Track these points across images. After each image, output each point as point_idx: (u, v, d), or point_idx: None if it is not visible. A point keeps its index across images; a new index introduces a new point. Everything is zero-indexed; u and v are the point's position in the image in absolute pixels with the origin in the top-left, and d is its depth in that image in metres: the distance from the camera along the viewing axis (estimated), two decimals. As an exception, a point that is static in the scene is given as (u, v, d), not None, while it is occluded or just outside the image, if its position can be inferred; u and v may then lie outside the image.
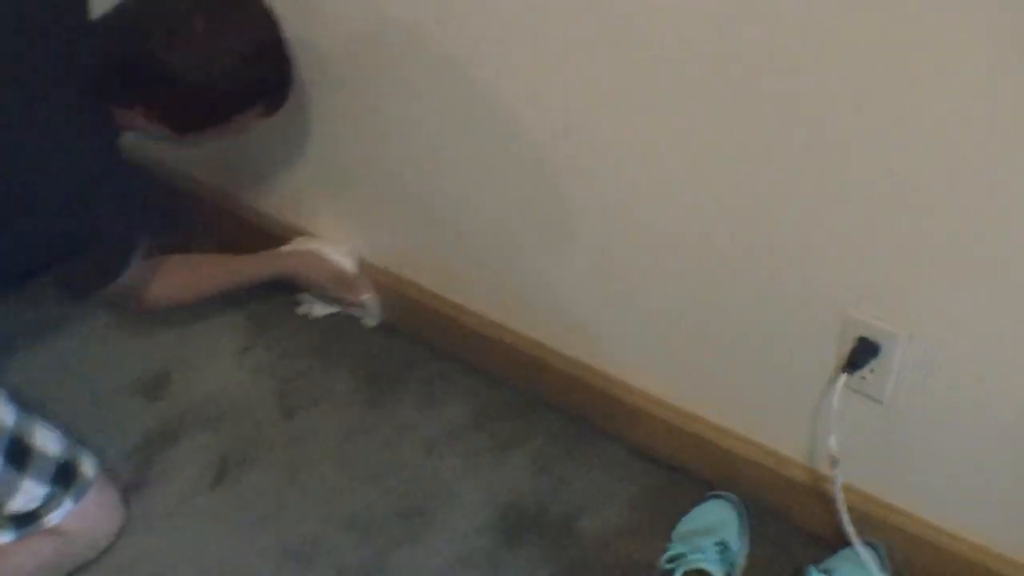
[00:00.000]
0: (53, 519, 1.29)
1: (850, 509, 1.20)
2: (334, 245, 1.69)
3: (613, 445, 1.50)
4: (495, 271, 1.52)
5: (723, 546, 1.28)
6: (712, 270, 1.24)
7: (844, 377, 1.15)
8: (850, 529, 1.20)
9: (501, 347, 1.57)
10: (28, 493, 1.27)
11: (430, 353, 1.67)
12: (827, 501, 1.28)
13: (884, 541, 1.26)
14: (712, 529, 1.31)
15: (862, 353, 1.15)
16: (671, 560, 1.25)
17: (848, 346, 1.16)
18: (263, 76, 1.36)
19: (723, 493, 1.38)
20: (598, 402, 1.49)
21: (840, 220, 1.08)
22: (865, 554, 1.22)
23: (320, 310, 1.77)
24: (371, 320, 1.73)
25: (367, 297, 1.70)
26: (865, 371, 1.16)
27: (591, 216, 1.32)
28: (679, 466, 1.45)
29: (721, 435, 1.38)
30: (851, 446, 1.19)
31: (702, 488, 1.41)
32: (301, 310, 1.78)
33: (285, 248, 1.72)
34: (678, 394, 1.41)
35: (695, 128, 1.13)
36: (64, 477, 1.30)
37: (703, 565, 1.23)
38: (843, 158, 1.03)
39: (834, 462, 1.18)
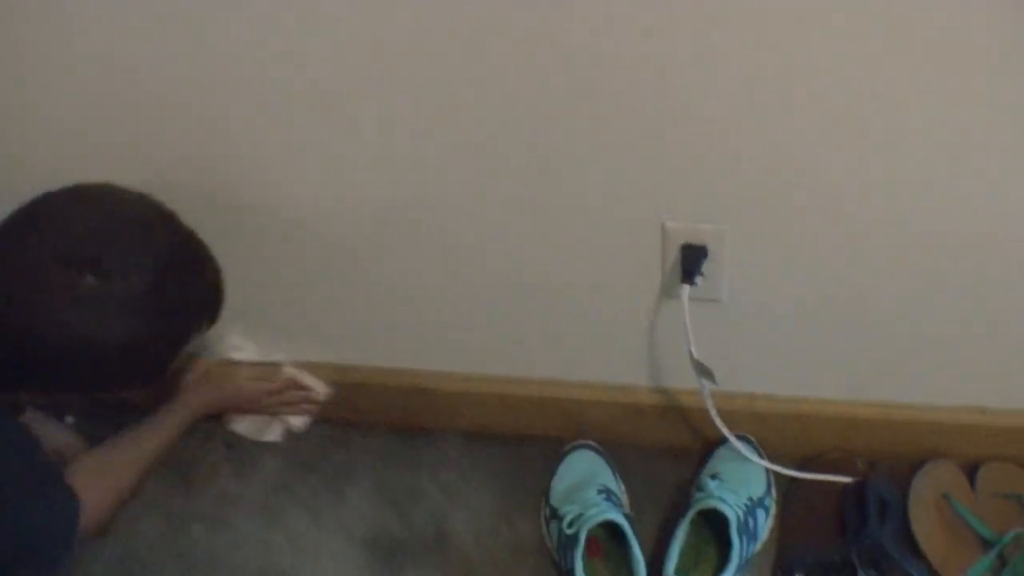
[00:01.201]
0: None
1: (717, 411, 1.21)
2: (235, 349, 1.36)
3: (448, 439, 1.40)
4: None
5: (607, 492, 1.25)
6: (509, 220, 1.15)
7: (687, 288, 1.13)
8: (724, 428, 1.21)
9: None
10: None
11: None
12: (684, 414, 1.29)
13: (752, 431, 1.29)
14: (588, 480, 1.27)
15: (692, 259, 1.13)
16: (571, 524, 1.20)
17: (674, 257, 1.14)
18: (191, 295, 1.02)
19: (579, 443, 1.33)
20: (416, 403, 1.38)
21: (635, 132, 1.02)
22: (743, 447, 1.25)
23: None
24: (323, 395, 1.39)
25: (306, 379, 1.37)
26: (697, 277, 1.15)
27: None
28: (525, 434, 1.38)
29: (560, 388, 1.33)
30: (701, 351, 1.19)
31: (554, 447, 1.35)
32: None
33: (186, 383, 1.35)
34: (505, 364, 1.33)
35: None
36: None
37: (607, 517, 1.18)
38: (632, 74, 0.96)
39: (701, 369, 1.17)
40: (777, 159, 1.02)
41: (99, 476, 1.15)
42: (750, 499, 1.24)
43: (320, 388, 1.36)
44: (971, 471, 1.31)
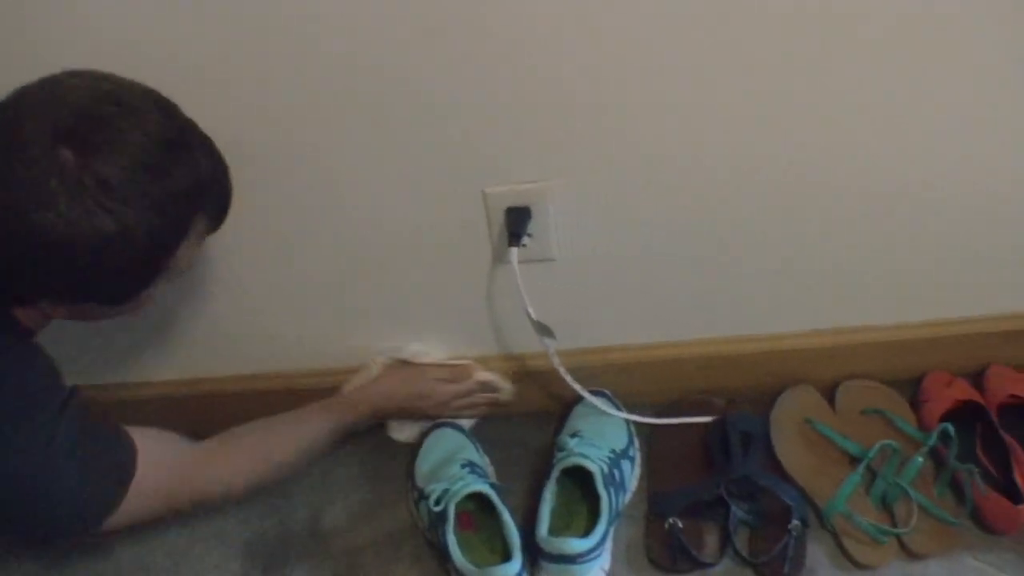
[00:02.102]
0: None
1: (568, 370, 1.21)
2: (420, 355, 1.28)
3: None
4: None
5: (470, 465, 1.24)
6: (344, 196, 1.13)
7: (515, 251, 1.12)
8: (576, 385, 1.21)
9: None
10: None
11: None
12: (538, 377, 1.29)
13: (611, 384, 1.30)
14: (450, 456, 1.27)
15: (516, 221, 1.12)
16: (438, 501, 1.19)
17: (500, 222, 1.14)
18: (192, 182, 0.89)
19: (439, 421, 1.33)
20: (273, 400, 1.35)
21: (447, 102, 1.02)
22: (600, 401, 1.25)
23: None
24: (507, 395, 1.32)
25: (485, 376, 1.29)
26: (526, 238, 1.14)
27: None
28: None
29: None
30: (544, 311, 1.18)
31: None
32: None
33: (347, 388, 1.28)
34: (348, 353, 1.31)
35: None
36: None
37: (473, 488, 1.18)
38: (442, 38, 0.96)
39: (542, 329, 1.17)
40: (593, 111, 1.02)
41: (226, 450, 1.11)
42: (613, 451, 1.24)
43: (508, 388, 1.31)
44: (830, 393, 1.32)
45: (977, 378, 1.34)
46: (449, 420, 1.32)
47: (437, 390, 1.27)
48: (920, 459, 1.24)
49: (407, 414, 1.30)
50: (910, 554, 1.21)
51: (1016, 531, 1.22)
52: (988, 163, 1.10)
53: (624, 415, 1.26)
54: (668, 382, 1.30)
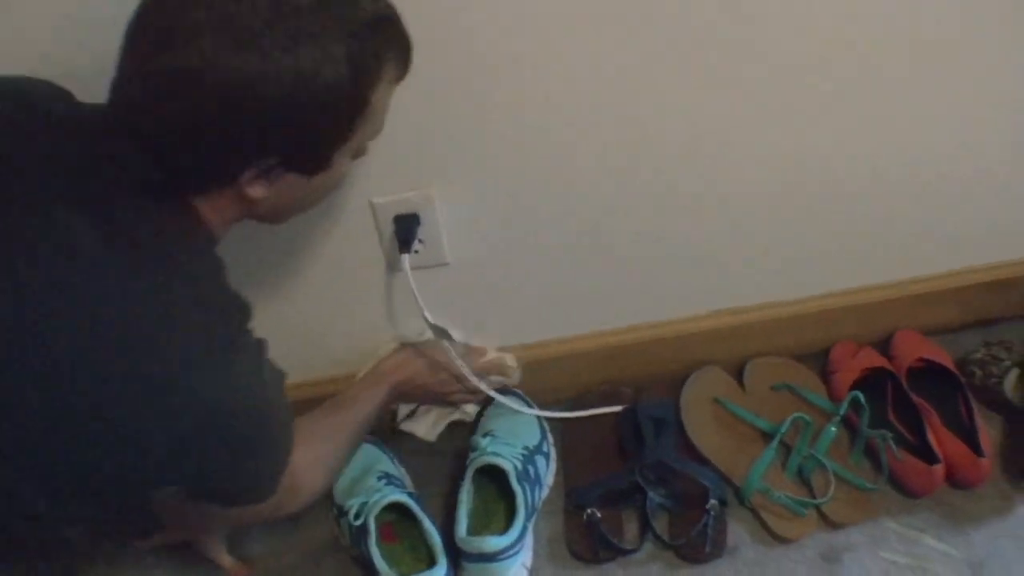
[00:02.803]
0: None
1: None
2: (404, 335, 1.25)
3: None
4: None
5: (387, 477, 1.25)
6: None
7: (407, 257, 1.13)
8: (482, 386, 1.21)
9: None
10: None
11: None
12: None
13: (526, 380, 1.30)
14: (367, 470, 1.26)
15: (405, 229, 1.13)
16: (358, 515, 1.19)
17: (390, 230, 1.15)
18: (376, 12, 0.82)
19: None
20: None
21: None
22: (511, 400, 1.26)
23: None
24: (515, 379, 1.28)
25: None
26: (417, 244, 1.16)
27: None
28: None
29: (318, 387, 1.29)
30: (442, 315, 1.19)
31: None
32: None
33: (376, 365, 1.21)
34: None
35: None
36: None
37: (391, 498, 1.17)
38: None
39: (439, 332, 1.17)
40: (472, 114, 1.03)
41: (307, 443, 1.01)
42: (527, 448, 1.24)
43: (518, 372, 1.27)
44: (739, 372, 1.33)
45: (884, 345, 1.36)
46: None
47: (453, 365, 1.19)
48: (833, 429, 1.25)
49: (424, 391, 1.22)
50: (831, 523, 1.22)
51: (933, 491, 1.23)
52: (875, 135, 1.12)
53: (534, 411, 1.26)
54: (576, 376, 1.31)
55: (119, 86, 0.79)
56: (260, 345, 0.90)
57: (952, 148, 1.16)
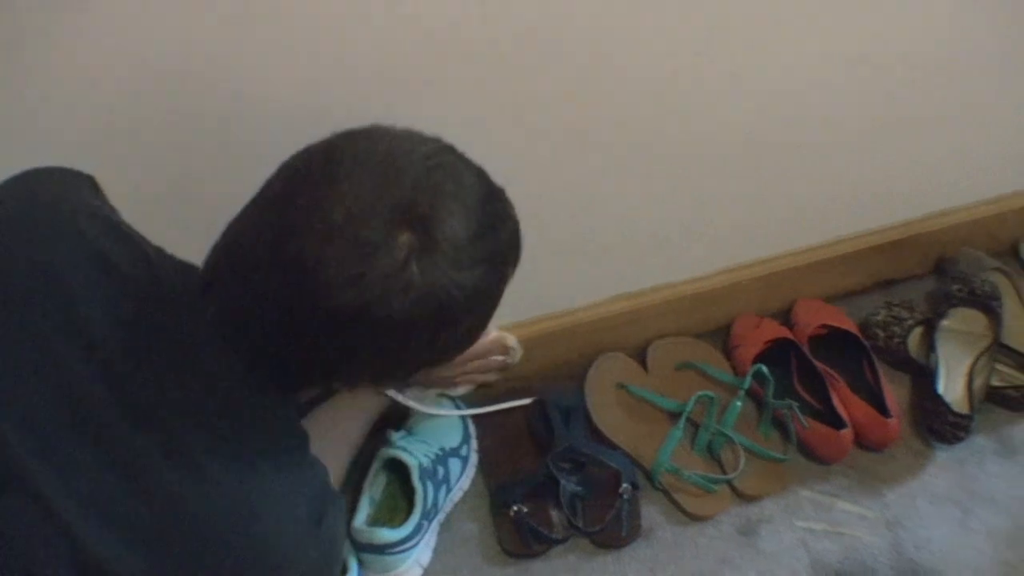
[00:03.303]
0: None
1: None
2: None
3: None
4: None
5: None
6: None
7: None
8: (400, 398, 1.20)
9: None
10: None
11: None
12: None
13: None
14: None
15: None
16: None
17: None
18: (505, 234, 0.82)
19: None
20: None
21: None
22: (414, 401, 1.25)
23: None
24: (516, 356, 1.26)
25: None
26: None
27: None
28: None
29: None
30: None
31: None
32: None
33: None
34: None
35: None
36: None
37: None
38: None
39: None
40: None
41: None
42: (442, 449, 1.24)
43: (520, 351, 1.24)
44: (643, 355, 1.34)
45: (786, 315, 1.37)
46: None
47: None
48: (739, 403, 1.25)
49: (429, 381, 1.23)
50: (744, 497, 1.22)
51: (843, 456, 1.23)
52: (754, 105, 1.13)
53: (443, 412, 1.26)
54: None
55: (230, 282, 0.77)
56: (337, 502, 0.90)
57: (825, 113, 1.18)
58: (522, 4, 0.92)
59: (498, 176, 0.81)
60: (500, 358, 1.25)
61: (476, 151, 0.79)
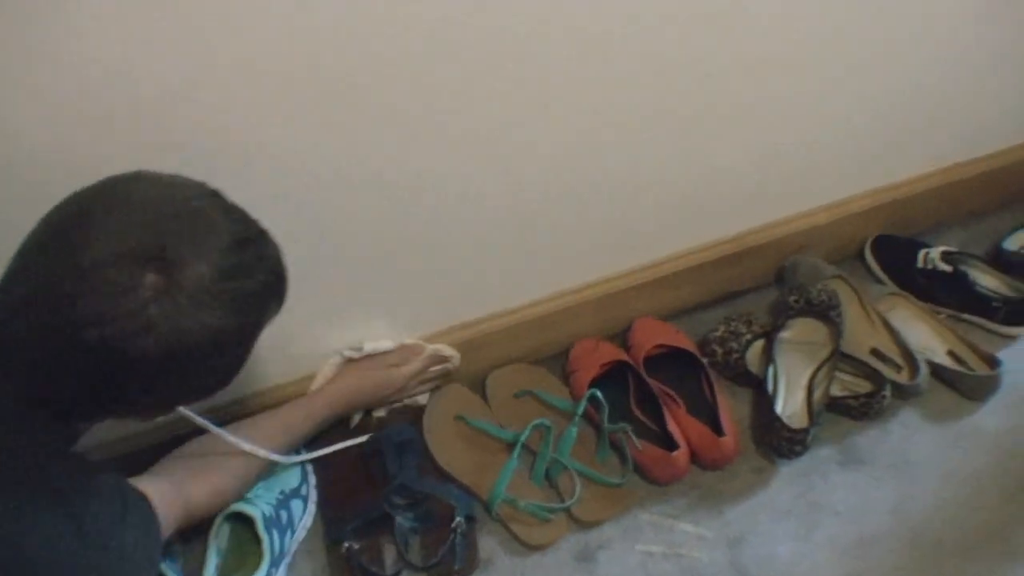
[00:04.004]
0: None
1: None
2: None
3: None
4: None
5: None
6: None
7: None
8: (213, 427, 1.17)
9: None
10: None
11: None
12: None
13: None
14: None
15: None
16: None
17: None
18: (260, 275, 0.86)
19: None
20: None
21: None
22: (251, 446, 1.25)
23: None
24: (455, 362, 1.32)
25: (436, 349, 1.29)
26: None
27: None
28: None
29: None
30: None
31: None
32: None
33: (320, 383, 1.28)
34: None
35: None
36: None
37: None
38: None
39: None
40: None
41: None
42: (283, 492, 1.23)
43: (456, 355, 1.30)
44: (483, 385, 1.33)
45: (626, 335, 1.36)
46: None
47: (394, 375, 1.27)
48: (573, 430, 1.24)
49: (375, 404, 1.31)
50: (582, 523, 1.21)
51: (679, 477, 1.23)
52: (571, 138, 1.13)
53: (276, 457, 1.25)
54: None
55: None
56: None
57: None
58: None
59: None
60: (439, 367, 1.30)
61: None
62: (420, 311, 1.28)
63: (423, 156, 1.07)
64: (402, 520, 1.20)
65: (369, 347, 1.27)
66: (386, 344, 1.27)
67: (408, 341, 1.28)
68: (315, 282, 1.10)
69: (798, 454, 1.24)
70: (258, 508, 1.19)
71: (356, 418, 1.32)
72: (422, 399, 1.33)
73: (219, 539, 1.19)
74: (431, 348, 1.28)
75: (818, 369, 1.29)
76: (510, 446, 1.26)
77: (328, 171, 1.04)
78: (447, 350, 1.29)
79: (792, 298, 1.31)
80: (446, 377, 1.33)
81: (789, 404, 1.27)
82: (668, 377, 1.29)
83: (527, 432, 1.24)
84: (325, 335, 1.24)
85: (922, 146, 1.42)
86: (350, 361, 1.28)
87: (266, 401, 1.25)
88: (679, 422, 1.24)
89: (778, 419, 1.23)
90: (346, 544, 1.19)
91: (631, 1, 1.02)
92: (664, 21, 1.05)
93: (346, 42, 0.93)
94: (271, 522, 1.19)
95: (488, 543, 1.22)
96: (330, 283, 1.16)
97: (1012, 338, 1.39)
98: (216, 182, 0.85)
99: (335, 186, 1.06)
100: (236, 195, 0.85)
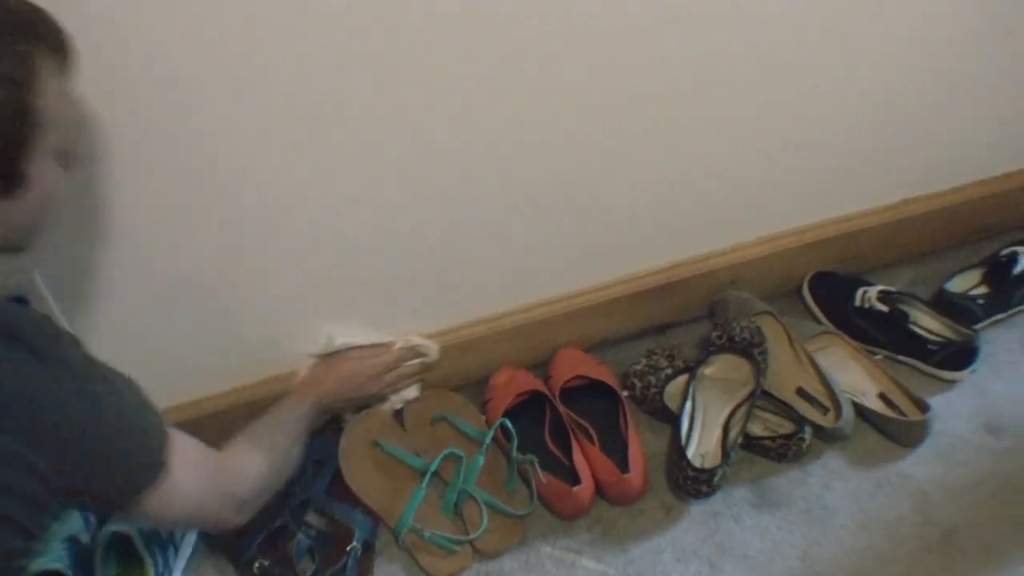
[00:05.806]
0: None
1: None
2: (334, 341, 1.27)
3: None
4: None
5: (70, 540, 1.26)
6: None
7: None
8: None
9: None
10: None
11: None
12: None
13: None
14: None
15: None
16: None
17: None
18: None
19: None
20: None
21: None
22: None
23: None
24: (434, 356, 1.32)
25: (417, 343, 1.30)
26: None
27: None
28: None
29: None
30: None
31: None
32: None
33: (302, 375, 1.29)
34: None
35: None
36: None
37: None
38: None
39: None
40: None
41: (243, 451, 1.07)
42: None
43: (433, 348, 1.30)
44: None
45: (547, 365, 1.35)
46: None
47: (363, 365, 1.26)
48: (481, 458, 1.24)
49: (354, 401, 1.30)
50: (484, 555, 1.21)
51: (581, 513, 1.23)
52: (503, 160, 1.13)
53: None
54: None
55: None
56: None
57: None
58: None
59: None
60: (416, 361, 1.29)
61: None
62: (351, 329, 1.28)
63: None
64: (303, 536, 1.22)
65: (340, 342, 1.26)
66: (358, 339, 1.26)
67: (382, 338, 1.27)
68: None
69: (705, 494, 1.22)
70: (132, 526, 1.18)
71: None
72: (408, 393, 1.33)
73: (105, 569, 1.18)
74: (406, 340, 1.28)
75: (737, 407, 1.26)
76: (422, 474, 1.26)
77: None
78: (423, 343, 1.28)
79: (715, 334, 1.29)
80: (427, 371, 1.32)
81: (704, 442, 1.25)
82: (586, 409, 1.28)
83: (437, 461, 1.25)
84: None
85: (871, 181, 1.38)
86: (323, 357, 1.27)
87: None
88: (587, 456, 1.23)
89: (684, 457, 1.21)
90: (257, 562, 1.21)
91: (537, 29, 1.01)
92: (591, 46, 1.05)
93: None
94: (150, 540, 1.19)
95: (392, 570, 1.22)
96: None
97: (949, 382, 1.34)
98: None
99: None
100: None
